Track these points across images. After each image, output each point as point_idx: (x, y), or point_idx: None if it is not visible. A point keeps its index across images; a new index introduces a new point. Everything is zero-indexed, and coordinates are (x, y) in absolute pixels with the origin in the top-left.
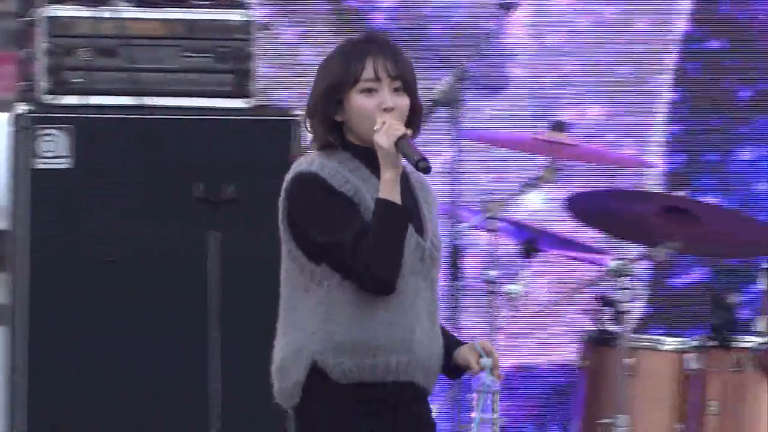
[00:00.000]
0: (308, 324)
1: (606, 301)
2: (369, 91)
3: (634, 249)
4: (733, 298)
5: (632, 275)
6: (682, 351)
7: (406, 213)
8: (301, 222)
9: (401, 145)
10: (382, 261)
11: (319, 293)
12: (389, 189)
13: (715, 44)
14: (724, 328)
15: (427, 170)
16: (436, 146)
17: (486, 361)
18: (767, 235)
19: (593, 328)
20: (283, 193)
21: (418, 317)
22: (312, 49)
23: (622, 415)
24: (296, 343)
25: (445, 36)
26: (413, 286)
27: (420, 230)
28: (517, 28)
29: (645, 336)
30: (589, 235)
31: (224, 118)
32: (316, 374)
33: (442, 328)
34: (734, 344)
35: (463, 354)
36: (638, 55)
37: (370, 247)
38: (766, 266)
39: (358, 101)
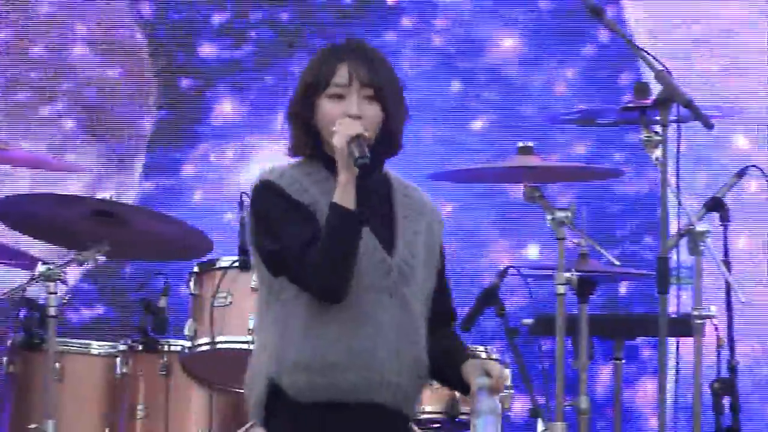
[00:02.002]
0: (266, 342)
1: (33, 306)
2: (338, 96)
3: (64, 253)
4: (163, 302)
5: (61, 280)
6: (112, 355)
7: (354, 217)
8: (256, 230)
9: (352, 144)
10: (328, 265)
11: (276, 309)
12: (341, 192)
13: (112, 72)
14: (153, 332)
15: (363, 166)
16: None
17: (481, 380)
18: (193, 237)
19: (20, 332)
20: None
21: (382, 335)
22: None
23: (50, 420)
24: (257, 360)
25: None
26: (375, 303)
27: (388, 245)
28: None
29: (74, 340)
30: (19, 239)
31: None
32: (275, 393)
33: (456, 341)
34: (163, 348)
35: (466, 371)
36: (34, 80)
37: (318, 252)
38: (195, 270)
39: (325, 107)
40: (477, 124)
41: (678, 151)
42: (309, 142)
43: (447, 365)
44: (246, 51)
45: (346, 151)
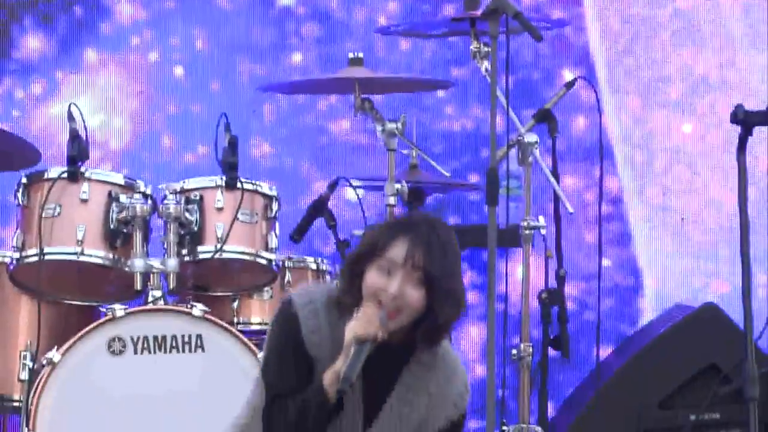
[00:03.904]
0: None
1: None
2: (387, 270)
3: None
4: None
5: None
6: None
7: (327, 410)
8: (265, 347)
9: (356, 348)
10: (282, 428)
11: (250, 424)
12: (329, 380)
13: None
14: None
15: (340, 392)
16: None
17: None
18: (21, 148)
19: None
20: None
21: None
22: None
23: None
24: None
25: None
26: None
27: (369, 421)
28: None
29: None
30: None
31: None
32: None
33: None
34: None
35: None
36: None
37: (282, 411)
38: (23, 181)
39: (371, 276)
40: (296, 58)
41: (507, 64)
42: (352, 300)
43: None
44: None
45: (351, 350)
